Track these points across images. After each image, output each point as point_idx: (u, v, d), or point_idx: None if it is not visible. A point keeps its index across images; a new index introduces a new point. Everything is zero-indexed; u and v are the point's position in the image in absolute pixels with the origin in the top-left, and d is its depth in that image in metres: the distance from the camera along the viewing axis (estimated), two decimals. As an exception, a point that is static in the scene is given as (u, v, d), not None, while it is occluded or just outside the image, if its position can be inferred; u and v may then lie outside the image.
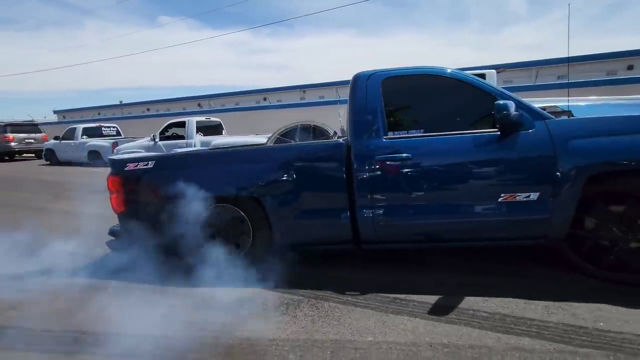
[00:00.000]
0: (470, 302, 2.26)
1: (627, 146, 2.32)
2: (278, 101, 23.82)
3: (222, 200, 2.80)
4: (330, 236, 2.79)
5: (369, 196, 2.60)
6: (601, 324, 1.97)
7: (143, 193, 2.91)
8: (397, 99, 2.83)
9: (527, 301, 2.23)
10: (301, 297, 2.46)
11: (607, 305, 2.13)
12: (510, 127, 2.40)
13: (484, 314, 2.12)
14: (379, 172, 2.59)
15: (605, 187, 2.38)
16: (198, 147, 9.22)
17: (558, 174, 2.34)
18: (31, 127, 18.75)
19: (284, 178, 2.72)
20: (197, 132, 9.53)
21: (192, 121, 9.56)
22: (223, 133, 10.66)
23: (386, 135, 2.65)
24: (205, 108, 26.33)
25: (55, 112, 38.77)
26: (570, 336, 1.88)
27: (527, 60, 17.67)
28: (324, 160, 2.76)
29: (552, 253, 2.67)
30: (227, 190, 2.80)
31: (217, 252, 2.72)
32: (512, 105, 2.31)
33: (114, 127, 15.25)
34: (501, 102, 2.32)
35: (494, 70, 6.72)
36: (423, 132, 2.65)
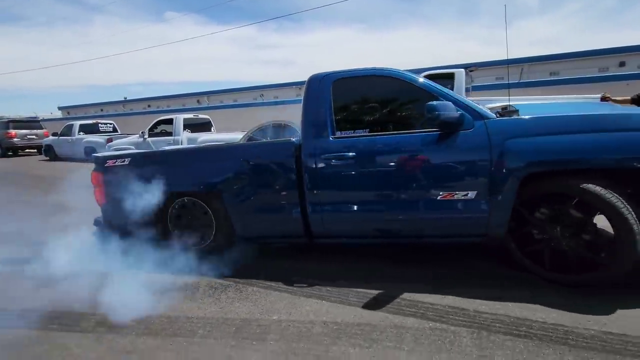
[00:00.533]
0: (377, 289, 2.50)
1: (562, 146, 2.30)
2: (275, 98, 24.01)
3: (188, 195, 3.07)
4: (284, 230, 2.95)
5: (317, 193, 2.73)
6: (483, 307, 2.19)
7: (120, 187, 3.12)
8: (347, 99, 2.90)
9: (434, 287, 2.45)
10: (231, 283, 2.71)
11: (492, 291, 2.36)
12: (444, 127, 2.44)
13: (384, 298, 2.36)
14: (326, 171, 2.71)
15: (543, 187, 2.38)
16: (185, 144, 9.52)
17: (495, 173, 2.38)
18: (33, 123, 19.26)
19: (241, 175, 2.92)
20: (184, 129, 9.81)
21: (180, 118, 9.84)
22: (212, 130, 10.92)
23: (334, 135, 2.75)
24: (204, 104, 26.65)
25: (59, 108, 39.44)
26: (450, 317, 2.11)
27: (515, 58, 17.63)
28: (277, 158, 2.87)
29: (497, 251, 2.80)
30: (192, 185, 3.04)
31: (182, 243, 3.01)
32: (444, 106, 2.36)
33: (110, 123, 15.58)
34: (433, 103, 2.37)
35: (462, 70, 6.88)
36: (368, 132, 2.75)
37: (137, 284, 2.62)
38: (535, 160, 2.33)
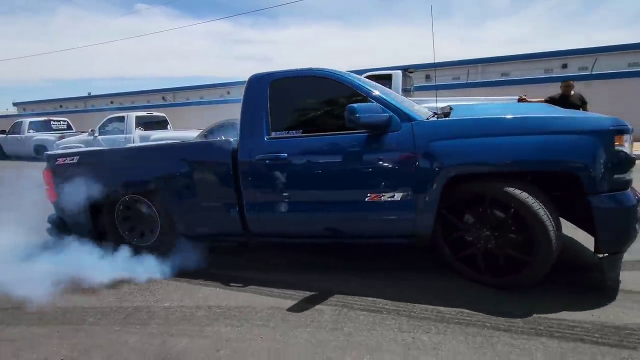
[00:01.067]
0: (276, 278, 2.73)
1: (484, 148, 2.29)
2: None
3: (132, 193, 3.07)
4: (223, 229, 2.95)
5: (253, 193, 2.75)
6: (356, 290, 2.47)
7: (70, 185, 3.12)
8: (283, 100, 2.83)
9: (322, 277, 2.72)
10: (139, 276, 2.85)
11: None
12: (369, 128, 2.44)
13: (274, 285, 2.59)
14: (261, 171, 2.70)
15: (467, 190, 2.37)
16: (137, 142, 9.41)
17: (420, 175, 2.38)
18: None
19: (180, 174, 2.90)
20: (137, 127, 9.69)
21: (132, 116, 9.72)
22: (168, 128, 10.84)
23: (269, 135, 2.74)
24: (168, 102, 26.08)
25: (14, 104, 37.37)
26: (319, 299, 2.37)
27: (466, 59, 18.55)
28: (215, 158, 2.85)
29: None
30: (134, 184, 3.04)
31: (129, 240, 3.13)
32: (368, 108, 2.37)
33: (64, 121, 15.03)
34: (353, 105, 2.34)
35: (399, 71, 7.25)
36: (302, 133, 2.72)
37: (51, 278, 2.69)
38: (456, 163, 2.32)
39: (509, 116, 2.44)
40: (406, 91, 7.58)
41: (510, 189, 2.21)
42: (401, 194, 2.46)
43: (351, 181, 2.57)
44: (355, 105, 2.35)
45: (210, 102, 20.59)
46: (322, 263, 2.96)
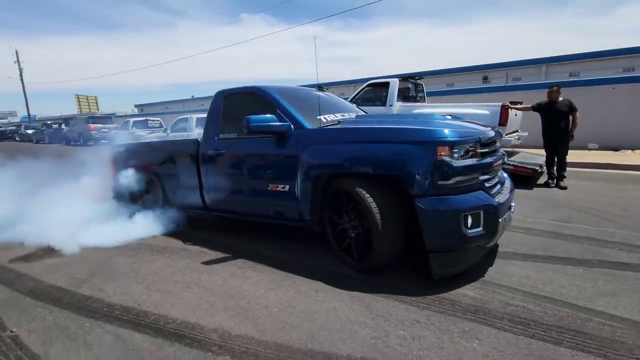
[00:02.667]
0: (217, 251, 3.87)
1: (338, 153, 2.78)
2: None
3: (150, 174, 4.38)
4: (192, 204, 4.00)
5: (207, 179, 3.69)
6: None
7: (120, 167, 4.59)
8: (231, 109, 3.69)
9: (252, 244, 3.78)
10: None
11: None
12: (260, 135, 3.13)
13: (214, 244, 3.70)
14: (211, 162, 3.64)
15: (335, 186, 2.84)
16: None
17: (299, 171, 2.96)
18: (107, 119, 23.52)
19: (168, 163, 4.17)
20: (197, 126, 11.92)
21: (193, 118, 11.96)
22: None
23: (218, 136, 3.64)
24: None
25: (135, 105, 45.62)
26: (227, 252, 3.44)
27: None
28: (186, 151, 3.95)
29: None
30: (150, 168, 4.38)
31: (149, 206, 4.42)
32: (264, 119, 3.03)
33: (157, 120, 18.55)
34: (249, 116, 3.00)
35: (397, 79, 7.73)
36: (236, 135, 3.49)
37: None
38: (319, 164, 2.87)
39: (364, 126, 3.00)
40: (411, 98, 8.05)
41: (355, 187, 2.65)
42: (288, 185, 3.11)
43: (259, 173, 3.34)
44: (250, 116, 3.02)
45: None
46: (268, 236, 3.85)
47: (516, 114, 6.75)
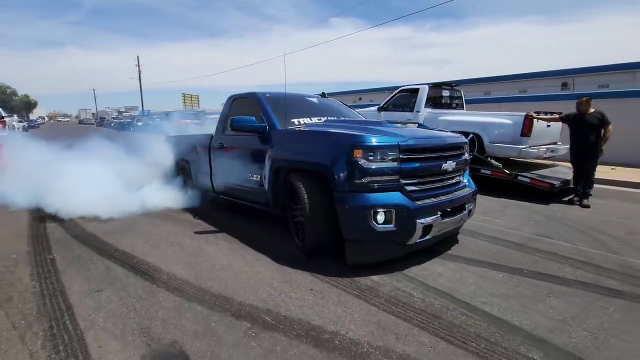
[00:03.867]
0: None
1: (287, 150, 3.42)
2: (485, 94, 21.55)
3: (183, 159, 5.59)
4: (207, 187, 4.95)
5: (214, 166, 4.62)
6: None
7: (168, 151, 5.89)
8: (237, 110, 4.47)
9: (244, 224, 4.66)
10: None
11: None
12: (246, 132, 3.81)
13: (215, 220, 4.68)
14: (217, 153, 4.56)
15: (289, 179, 3.33)
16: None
17: (265, 164, 3.61)
18: (195, 115, 27.07)
19: (192, 152, 5.30)
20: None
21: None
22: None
23: (224, 132, 4.52)
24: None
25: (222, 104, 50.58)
26: (218, 230, 4.32)
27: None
28: (203, 143, 4.92)
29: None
30: (182, 156, 5.59)
31: (184, 184, 5.62)
32: (246, 120, 3.73)
33: None
34: (234, 117, 3.79)
35: (426, 86, 7.72)
36: (234, 132, 3.99)
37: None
38: (275, 158, 3.50)
39: (312, 129, 3.57)
40: (445, 105, 8.01)
41: (296, 180, 3.20)
42: (259, 175, 3.79)
43: (244, 163, 4.06)
44: (235, 117, 3.82)
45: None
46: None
47: (549, 125, 6.35)
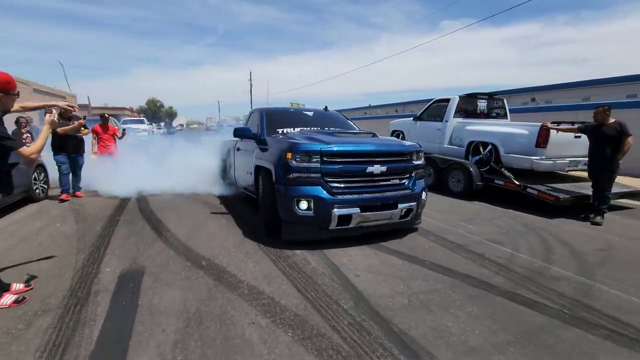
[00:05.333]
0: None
1: (264, 154, 4.41)
2: (546, 102, 20.27)
3: (223, 159, 7.43)
4: (232, 181, 6.57)
5: (235, 164, 6.15)
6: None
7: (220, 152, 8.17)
8: (252, 120, 5.74)
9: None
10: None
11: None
12: (249, 139, 5.09)
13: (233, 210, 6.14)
14: (236, 153, 6.05)
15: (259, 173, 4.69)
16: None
17: (254, 162, 4.92)
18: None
19: (227, 153, 6.91)
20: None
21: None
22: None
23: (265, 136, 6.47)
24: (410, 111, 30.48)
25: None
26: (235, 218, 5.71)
27: None
28: (232, 146, 6.37)
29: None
30: (222, 155, 7.29)
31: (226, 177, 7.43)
32: (245, 129, 5.05)
33: None
34: (237, 127, 5.24)
35: (457, 96, 7.71)
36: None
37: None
38: (254, 158, 4.71)
39: (276, 137, 4.57)
40: (481, 114, 7.93)
41: (260, 173, 4.48)
42: (253, 170, 4.89)
43: (247, 162, 5.22)
44: (237, 127, 5.19)
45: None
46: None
47: (578, 136, 5.92)
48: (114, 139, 7.93)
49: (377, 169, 3.88)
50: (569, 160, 5.94)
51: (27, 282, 2.95)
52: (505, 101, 8.22)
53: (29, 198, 5.99)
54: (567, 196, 5.35)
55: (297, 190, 3.73)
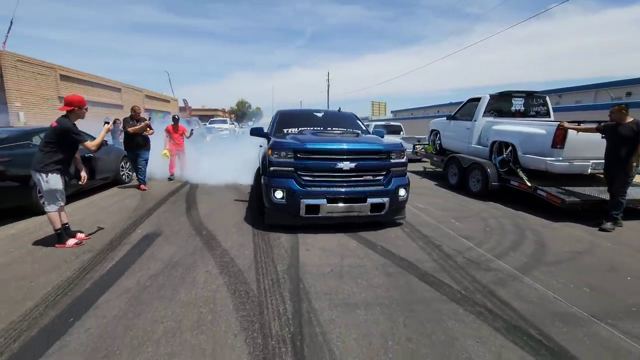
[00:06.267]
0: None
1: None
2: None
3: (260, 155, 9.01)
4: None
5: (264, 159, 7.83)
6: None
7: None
8: (290, 122, 6.63)
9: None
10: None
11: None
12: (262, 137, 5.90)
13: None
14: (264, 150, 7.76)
15: None
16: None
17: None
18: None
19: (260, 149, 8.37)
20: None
21: (371, 124, 15.07)
22: (401, 134, 15.27)
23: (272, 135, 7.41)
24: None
25: (392, 112, 53.27)
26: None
27: None
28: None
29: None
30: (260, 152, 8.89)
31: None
32: (257, 128, 5.81)
33: (398, 125, 22.27)
34: (252, 127, 6.52)
35: (487, 95, 7.42)
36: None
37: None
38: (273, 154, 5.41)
39: (273, 137, 5.37)
40: (517, 113, 7.58)
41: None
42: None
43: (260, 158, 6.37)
44: (252, 127, 6.12)
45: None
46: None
47: (605, 136, 5.46)
48: (183, 138, 9.68)
49: (346, 165, 4.42)
50: (593, 163, 5.51)
51: (89, 234, 4.35)
52: (547, 99, 7.69)
53: (116, 181, 7.95)
54: (577, 200, 5.06)
55: (274, 182, 4.48)
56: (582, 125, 5.38)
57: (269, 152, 4.57)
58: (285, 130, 5.81)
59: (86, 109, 4.05)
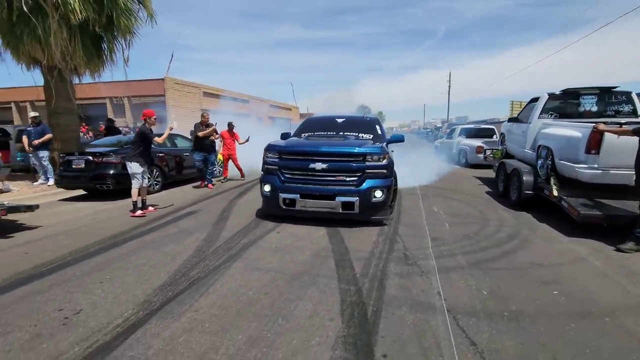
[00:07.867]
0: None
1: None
2: None
3: None
4: None
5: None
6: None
7: None
8: (310, 127, 7.35)
9: None
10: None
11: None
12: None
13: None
14: None
15: None
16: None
17: None
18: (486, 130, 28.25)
19: None
20: (459, 135, 14.15)
21: (458, 128, 14.23)
22: (494, 137, 13.98)
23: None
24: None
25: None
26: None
27: None
28: None
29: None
30: None
31: None
32: (285, 134, 7.08)
33: (491, 128, 19.75)
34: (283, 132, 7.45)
35: (546, 94, 6.40)
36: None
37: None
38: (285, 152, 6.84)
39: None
40: (587, 113, 6.46)
41: None
42: None
43: None
44: (282, 132, 7.00)
45: None
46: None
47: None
48: (235, 143, 9.95)
49: (318, 165, 4.99)
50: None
51: (162, 207, 6.24)
52: (633, 95, 6.28)
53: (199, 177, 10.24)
54: (598, 213, 4.32)
55: (265, 177, 5.43)
56: (624, 127, 4.52)
57: (265, 153, 5.53)
58: (301, 135, 6.66)
59: (155, 119, 5.94)
